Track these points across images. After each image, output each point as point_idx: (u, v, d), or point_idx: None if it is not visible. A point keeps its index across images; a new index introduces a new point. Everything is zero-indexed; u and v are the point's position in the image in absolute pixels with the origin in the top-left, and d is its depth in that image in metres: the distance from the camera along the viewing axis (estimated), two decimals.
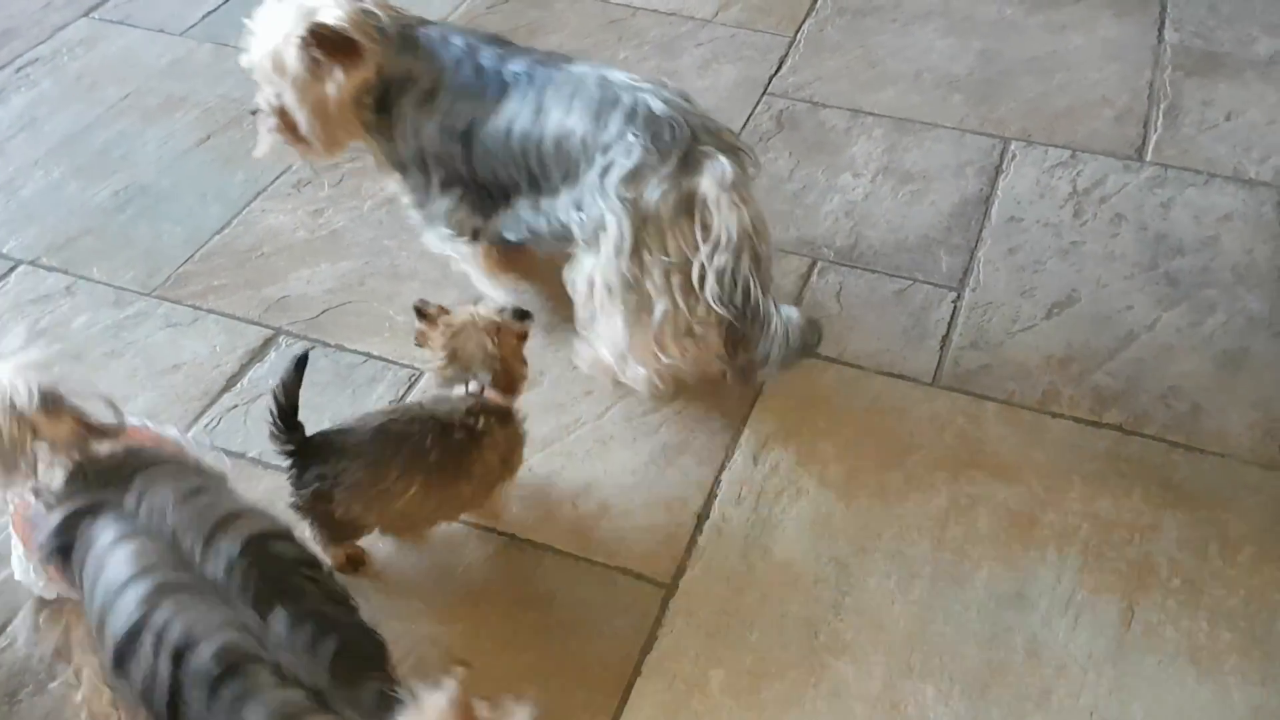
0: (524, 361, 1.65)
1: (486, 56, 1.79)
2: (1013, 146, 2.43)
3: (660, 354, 1.77)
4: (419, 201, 1.90)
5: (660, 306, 1.71)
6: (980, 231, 2.23)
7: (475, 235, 1.90)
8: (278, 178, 2.32)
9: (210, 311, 2.04)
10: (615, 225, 1.67)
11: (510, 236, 1.87)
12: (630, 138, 1.66)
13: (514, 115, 1.74)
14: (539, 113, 1.72)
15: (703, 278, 1.67)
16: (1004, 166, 2.38)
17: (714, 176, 1.65)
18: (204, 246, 2.17)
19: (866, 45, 2.73)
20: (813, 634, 1.59)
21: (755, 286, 1.67)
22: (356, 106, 1.80)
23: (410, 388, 1.93)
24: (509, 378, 1.63)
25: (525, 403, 1.77)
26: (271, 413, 1.49)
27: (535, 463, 1.81)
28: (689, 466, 1.81)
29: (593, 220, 1.70)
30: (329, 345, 2.00)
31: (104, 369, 1.93)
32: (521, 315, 1.65)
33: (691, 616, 1.61)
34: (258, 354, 1.97)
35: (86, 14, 2.79)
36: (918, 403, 1.90)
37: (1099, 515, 1.73)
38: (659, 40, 2.74)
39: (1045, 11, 2.85)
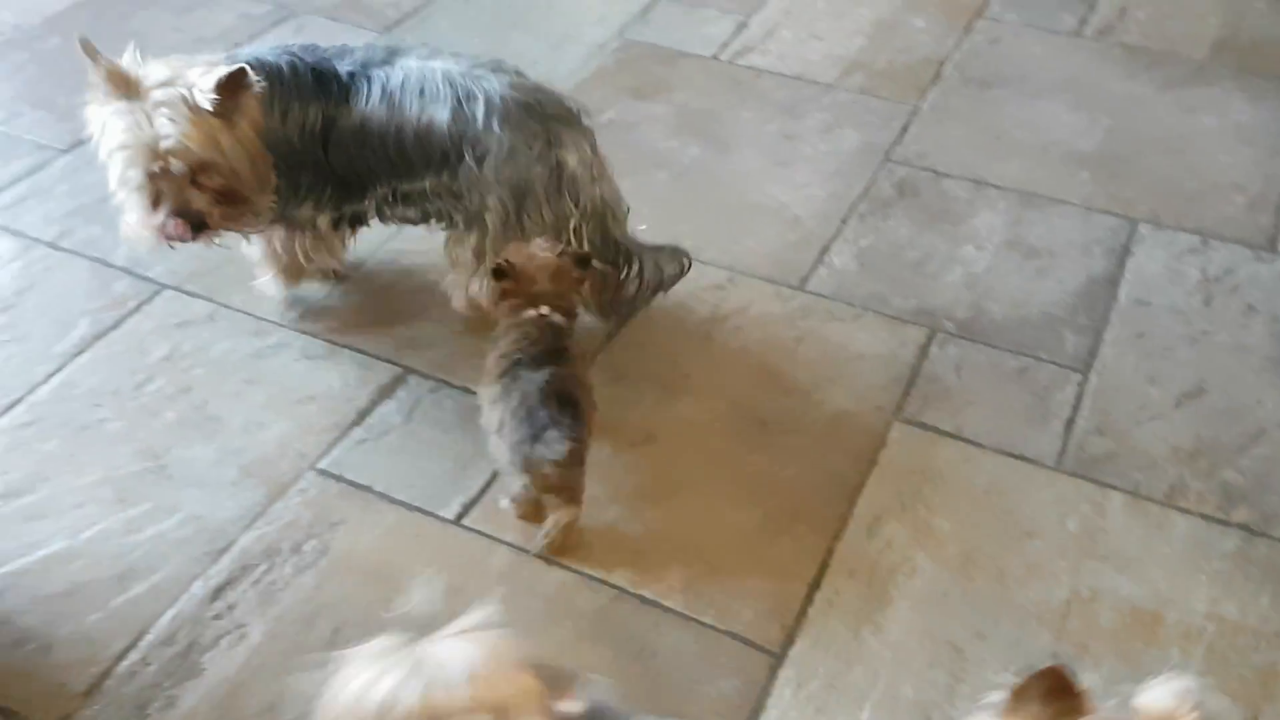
0: (579, 294, 1.90)
1: (314, 61, 1.94)
2: (1141, 228, 2.41)
3: None
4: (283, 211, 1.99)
5: None
6: (1107, 313, 2.20)
7: (335, 224, 2.05)
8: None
9: (345, 346, 2.11)
10: (499, 204, 1.90)
11: (373, 220, 2.07)
12: (497, 130, 1.87)
13: (367, 113, 1.92)
14: (393, 109, 1.90)
15: (577, 238, 1.94)
16: (1131, 248, 2.36)
17: (576, 155, 1.93)
18: (343, 283, 2.25)
19: (991, 116, 2.73)
20: None
21: (621, 239, 2.01)
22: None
23: None
24: (569, 306, 1.86)
25: (645, 458, 1.81)
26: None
27: (647, 518, 1.84)
28: (801, 534, 1.81)
29: (476, 203, 1.92)
30: (453, 386, 2.05)
31: (242, 395, 2.01)
32: (583, 263, 1.86)
33: (800, 689, 1.61)
34: (387, 390, 2.03)
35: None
36: (1040, 486, 1.88)
37: (1225, 618, 1.69)
38: (782, 103, 2.78)
39: (1176, 90, 2.82)
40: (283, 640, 1.65)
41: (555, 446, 1.66)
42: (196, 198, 1.83)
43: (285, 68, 1.91)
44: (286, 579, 1.73)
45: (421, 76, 1.91)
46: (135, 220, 1.86)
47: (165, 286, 2.23)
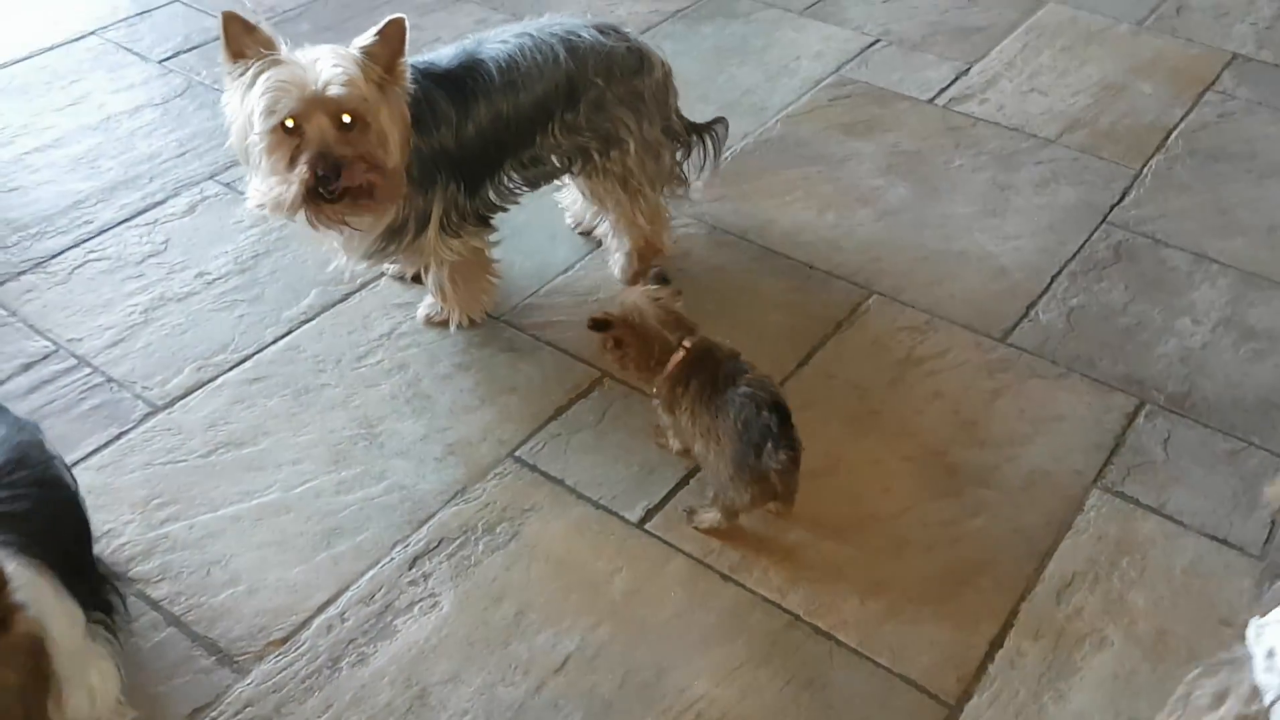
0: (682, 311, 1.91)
1: (427, 69, 1.98)
2: None
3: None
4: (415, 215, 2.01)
5: (667, 157, 2.24)
6: None
7: (464, 217, 2.07)
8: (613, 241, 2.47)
9: (548, 344, 2.19)
10: (622, 116, 2.13)
11: (497, 200, 2.14)
12: (605, 63, 2.09)
13: (494, 99, 2.00)
14: (514, 85, 2.02)
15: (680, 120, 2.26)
16: None
17: (661, 63, 2.19)
18: (549, 283, 2.33)
19: (1217, 190, 2.63)
20: None
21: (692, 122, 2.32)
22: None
23: None
24: (692, 325, 1.88)
25: (828, 487, 1.82)
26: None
27: (826, 549, 1.84)
28: (987, 588, 1.78)
29: (604, 125, 2.13)
30: (646, 395, 2.09)
31: (452, 378, 2.11)
32: (663, 280, 1.91)
33: None
34: (584, 391, 2.10)
35: None
36: (1241, 574, 1.80)
37: None
38: (997, 152, 2.74)
39: None
40: (470, 614, 1.72)
41: (779, 455, 1.69)
42: (343, 146, 1.78)
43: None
44: (479, 556, 1.81)
45: (524, 45, 2.04)
46: (266, 182, 1.82)
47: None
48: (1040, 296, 2.33)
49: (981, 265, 2.41)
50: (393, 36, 1.83)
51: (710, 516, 1.85)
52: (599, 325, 1.84)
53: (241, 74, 1.80)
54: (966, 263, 2.42)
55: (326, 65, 1.78)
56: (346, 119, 1.78)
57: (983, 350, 2.21)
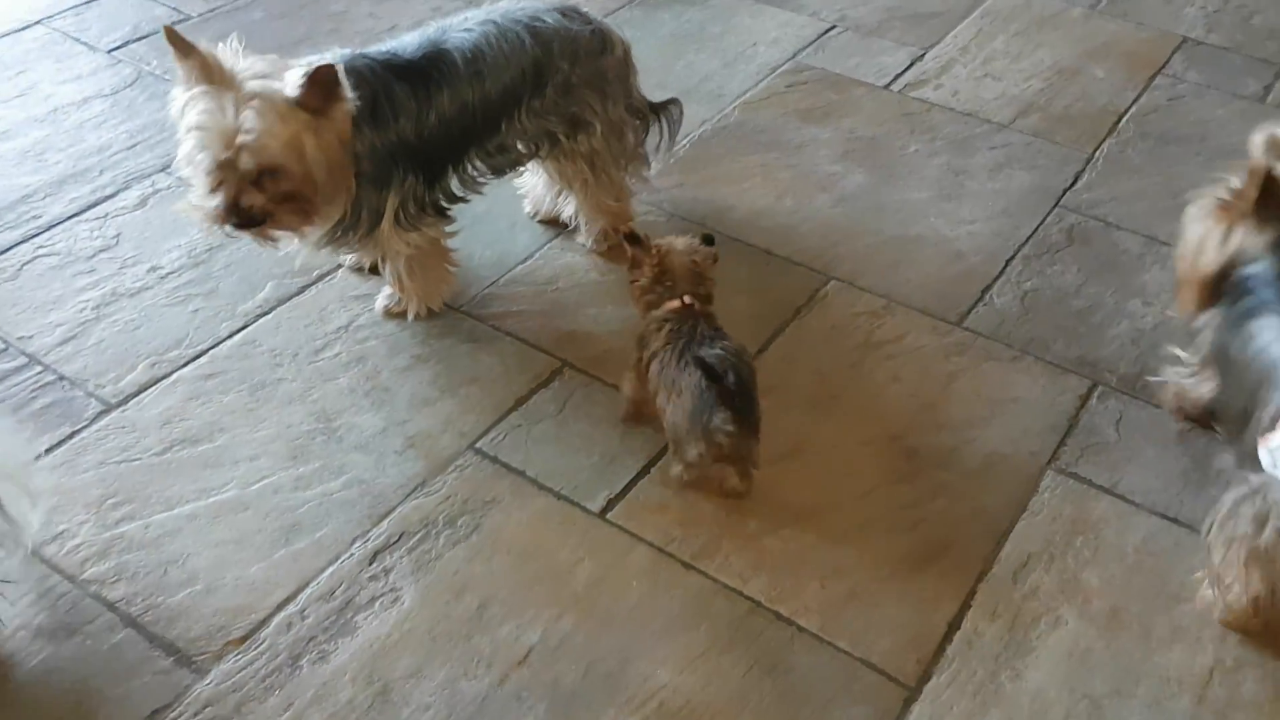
0: (713, 279, 2.02)
1: (387, 58, 1.98)
2: None
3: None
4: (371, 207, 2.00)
5: (631, 136, 2.28)
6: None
7: (423, 208, 2.06)
8: (580, 220, 2.46)
9: (508, 334, 2.19)
10: (587, 98, 2.16)
11: (461, 191, 2.14)
12: (569, 46, 2.11)
13: (459, 88, 2.00)
14: (480, 75, 2.01)
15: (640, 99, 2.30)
16: None
17: (621, 45, 2.21)
18: (509, 272, 2.32)
19: (1168, 173, 2.66)
20: None
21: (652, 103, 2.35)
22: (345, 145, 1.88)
23: None
24: (708, 291, 1.98)
25: (788, 473, 1.83)
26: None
27: (787, 534, 1.85)
28: (946, 570, 1.81)
29: (569, 107, 2.14)
30: (606, 384, 2.10)
31: (411, 370, 2.10)
32: (709, 241, 2.02)
33: None
34: (545, 381, 2.10)
35: None
36: (1192, 551, 1.83)
37: None
38: (952, 137, 2.76)
39: None
40: (432, 608, 1.72)
41: (725, 420, 1.76)
42: (254, 196, 1.82)
43: (365, 70, 1.93)
44: (440, 550, 1.80)
45: (489, 32, 2.05)
46: (195, 199, 1.86)
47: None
48: (995, 280, 2.36)
49: (937, 250, 2.43)
50: (323, 84, 1.79)
51: (675, 470, 1.88)
52: (633, 239, 1.99)
53: (180, 85, 1.82)
54: (923, 247, 2.44)
55: (245, 119, 1.76)
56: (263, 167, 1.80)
57: (939, 334, 2.23)
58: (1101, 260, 2.41)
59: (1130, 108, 2.89)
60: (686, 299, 1.93)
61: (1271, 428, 1.61)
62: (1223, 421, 1.86)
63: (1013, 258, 2.41)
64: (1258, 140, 1.82)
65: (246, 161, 1.78)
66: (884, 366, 2.16)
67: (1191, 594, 1.77)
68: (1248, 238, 1.81)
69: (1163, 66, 3.05)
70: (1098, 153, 2.73)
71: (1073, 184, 2.63)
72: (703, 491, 1.88)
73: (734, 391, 1.77)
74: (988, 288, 2.34)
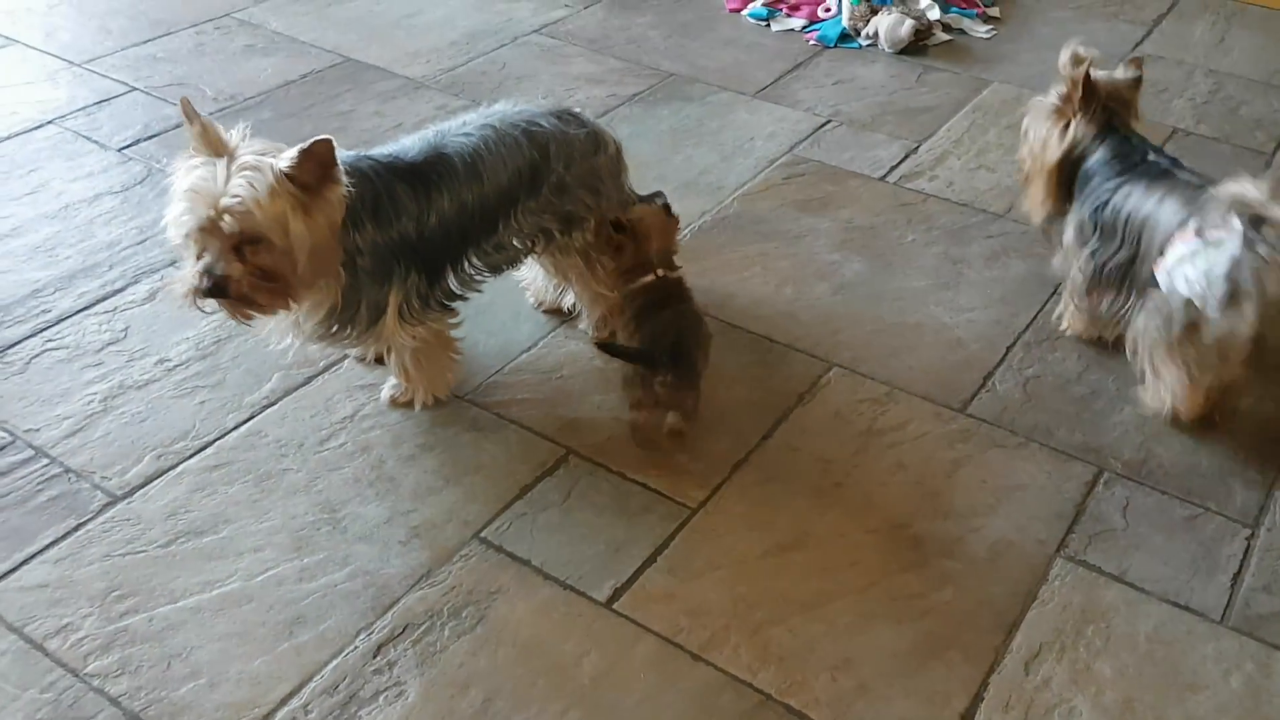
0: (677, 242, 2.33)
1: (390, 160, 2.04)
2: None
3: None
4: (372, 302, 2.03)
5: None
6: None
7: (426, 304, 2.10)
8: (580, 308, 2.50)
9: (512, 422, 2.20)
10: (582, 197, 2.24)
11: (459, 289, 2.18)
12: (565, 148, 2.19)
13: (459, 189, 2.06)
14: (480, 175, 2.08)
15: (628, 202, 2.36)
16: None
17: (613, 141, 2.31)
18: (513, 361, 2.34)
19: None
20: None
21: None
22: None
23: (681, 525, 2.00)
24: (673, 255, 2.29)
25: (793, 562, 1.82)
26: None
27: (794, 624, 1.84)
28: (955, 661, 1.79)
29: (565, 206, 2.21)
30: (611, 471, 2.10)
31: (415, 459, 2.11)
32: (667, 207, 2.30)
33: None
34: (549, 468, 2.10)
35: None
36: (1203, 639, 1.82)
37: None
38: (948, 227, 2.81)
39: None
40: (437, 703, 1.70)
41: (665, 378, 2.06)
42: (232, 264, 1.82)
43: (369, 170, 1.98)
44: (444, 642, 1.78)
45: (488, 136, 2.10)
46: (184, 268, 1.89)
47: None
48: (996, 367, 2.38)
49: (938, 337, 2.46)
50: (318, 157, 1.82)
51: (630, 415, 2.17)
52: (619, 227, 2.21)
53: (183, 157, 1.87)
54: (923, 335, 2.47)
55: (234, 185, 1.79)
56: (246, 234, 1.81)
57: (943, 421, 2.24)
58: (1101, 347, 2.43)
59: None
60: (659, 272, 2.22)
61: (1161, 254, 2.09)
62: (1111, 282, 2.25)
63: (1013, 345, 2.44)
64: (1064, 57, 2.32)
65: (229, 225, 1.79)
66: (888, 454, 2.16)
67: (1205, 682, 1.75)
68: (1079, 129, 2.29)
69: None
70: None
71: None
72: (706, 583, 1.87)
73: (669, 356, 2.07)
74: (989, 374, 2.36)
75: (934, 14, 3.75)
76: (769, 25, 3.81)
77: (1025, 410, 2.27)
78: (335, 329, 2.00)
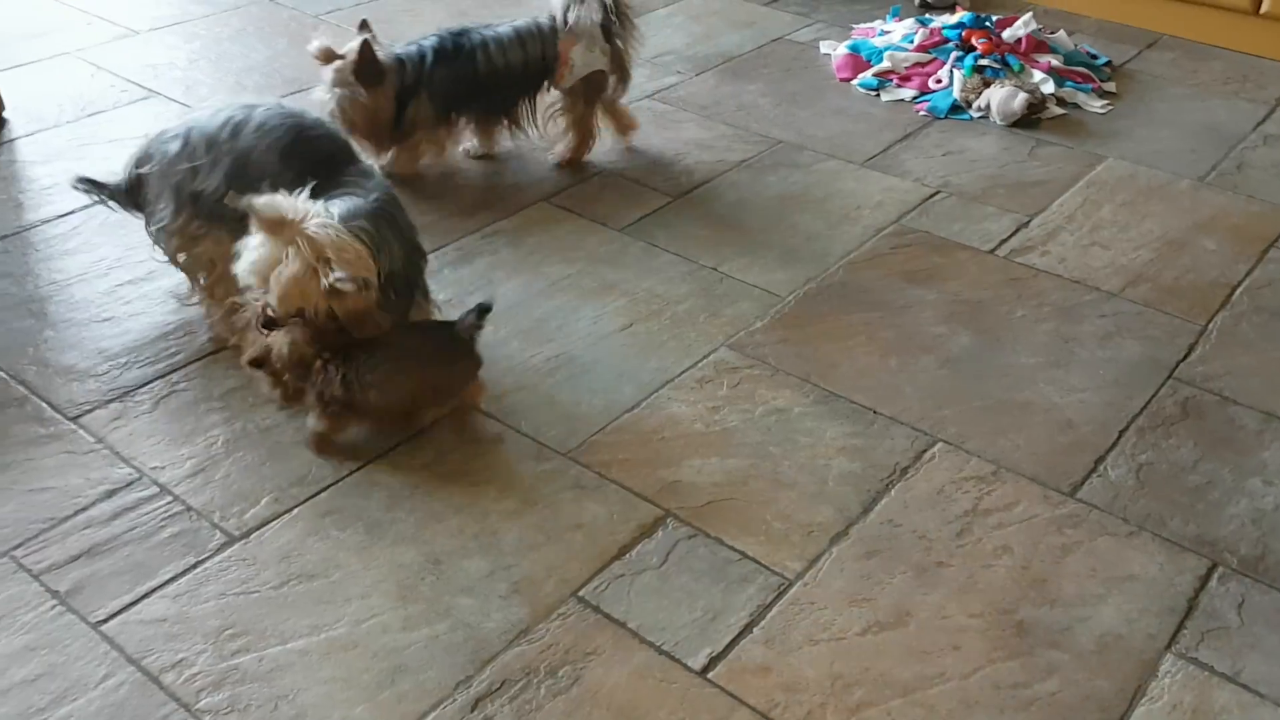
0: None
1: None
2: None
3: None
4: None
5: None
6: None
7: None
8: (684, 371, 2.52)
9: (612, 481, 2.22)
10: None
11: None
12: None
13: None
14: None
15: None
16: None
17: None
18: (615, 421, 2.38)
19: None
20: None
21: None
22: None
23: (779, 596, 1.99)
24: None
25: (892, 642, 1.79)
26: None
27: (895, 708, 1.81)
28: None
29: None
30: (709, 536, 2.11)
31: (518, 514, 2.14)
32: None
33: None
34: (648, 530, 2.12)
35: (546, 198, 3.21)
36: None
37: None
38: (1059, 304, 2.77)
39: None
40: None
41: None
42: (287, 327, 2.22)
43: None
44: (540, 701, 1.80)
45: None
46: None
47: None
48: (1108, 451, 2.32)
49: (1048, 417, 2.42)
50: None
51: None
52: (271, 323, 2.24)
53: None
54: (1032, 414, 2.43)
55: (275, 278, 2.13)
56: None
57: (1051, 504, 2.19)
58: (1218, 436, 2.36)
59: (1243, 281, 2.87)
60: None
61: None
62: None
63: (1126, 429, 2.38)
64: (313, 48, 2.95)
65: (274, 304, 2.22)
66: (993, 535, 2.12)
67: None
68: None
69: (1276, 240, 3.04)
70: (1210, 325, 2.70)
71: (1185, 356, 2.60)
72: (803, 657, 1.86)
73: None
74: (1101, 459, 2.30)
75: (1048, 88, 3.73)
76: (879, 95, 3.83)
77: (1138, 498, 2.21)
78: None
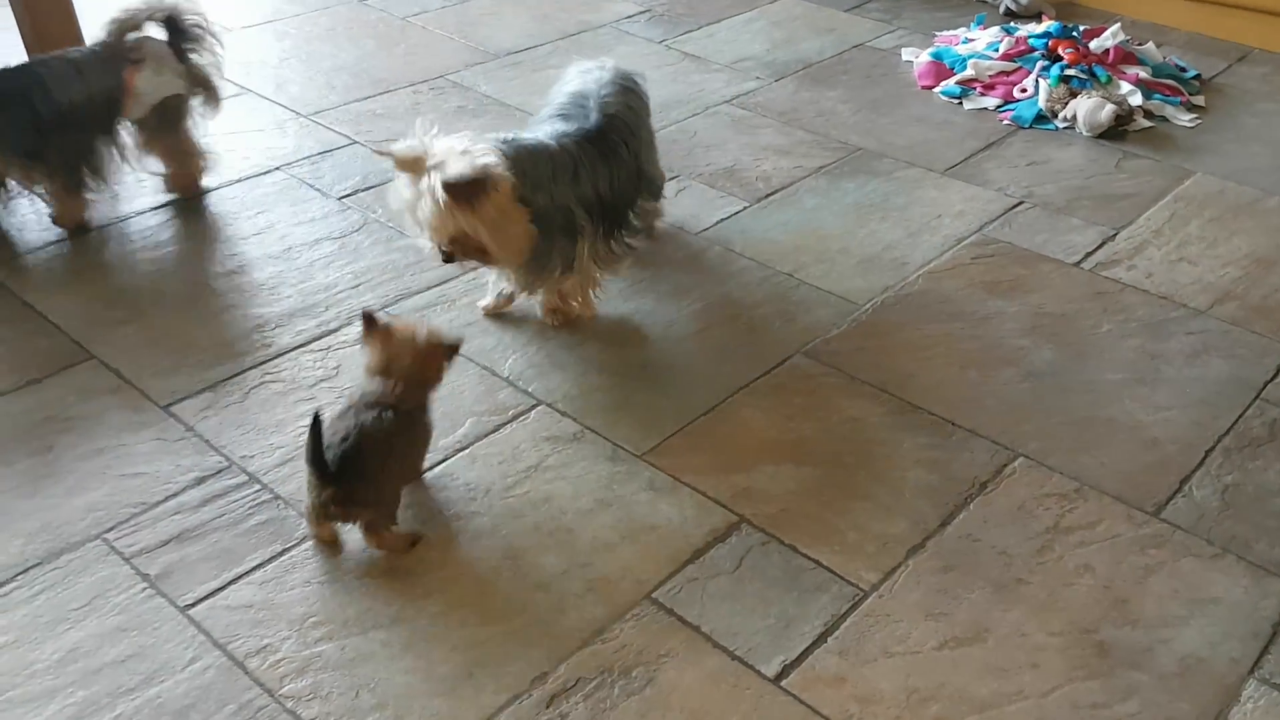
0: (439, 378, 2.21)
1: (576, 133, 2.58)
2: None
3: None
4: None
5: None
6: None
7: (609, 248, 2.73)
8: (758, 377, 2.52)
9: (686, 485, 2.23)
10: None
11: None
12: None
13: (623, 155, 2.66)
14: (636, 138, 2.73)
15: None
16: None
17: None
18: (690, 424, 2.39)
19: None
20: None
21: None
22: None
23: (854, 607, 1.99)
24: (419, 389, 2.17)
25: (971, 658, 1.78)
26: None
27: None
28: None
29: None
30: (783, 543, 2.11)
31: (594, 514, 2.17)
32: (453, 348, 2.19)
33: None
34: (722, 535, 2.12)
35: None
36: None
37: None
38: (1146, 320, 2.72)
39: None
40: None
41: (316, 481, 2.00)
42: (453, 245, 2.37)
43: (558, 148, 2.50)
44: (614, 700, 1.82)
45: (629, 99, 2.74)
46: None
47: (541, 402, 2.45)
48: (1194, 471, 2.28)
49: (1132, 435, 2.38)
50: (465, 190, 2.26)
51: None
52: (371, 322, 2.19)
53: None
54: (1116, 431, 2.39)
55: (424, 205, 2.29)
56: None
57: (1134, 524, 2.16)
58: None
59: None
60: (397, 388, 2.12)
61: None
62: None
63: (1212, 449, 2.33)
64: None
65: (435, 237, 2.38)
66: (1074, 553, 2.09)
67: None
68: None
69: None
70: None
71: (1274, 377, 2.54)
72: (878, 669, 1.86)
73: (337, 464, 1.98)
74: (1186, 479, 2.26)
75: (1136, 99, 3.66)
76: (961, 103, 3.79)
77: (1223, 519, 2.16)
78: (534, 275, 2.53)
